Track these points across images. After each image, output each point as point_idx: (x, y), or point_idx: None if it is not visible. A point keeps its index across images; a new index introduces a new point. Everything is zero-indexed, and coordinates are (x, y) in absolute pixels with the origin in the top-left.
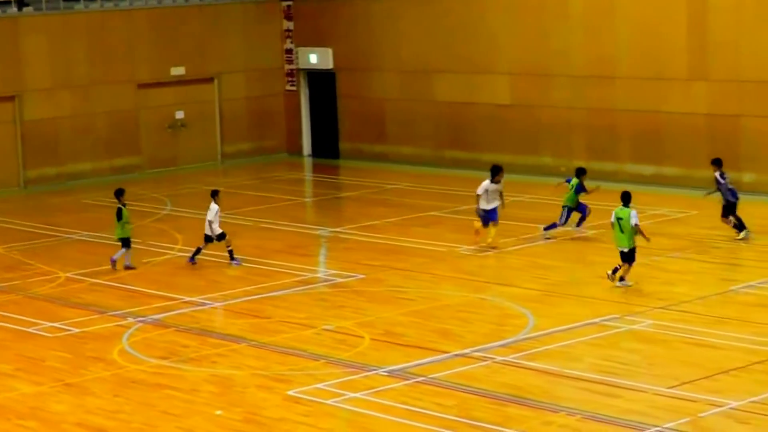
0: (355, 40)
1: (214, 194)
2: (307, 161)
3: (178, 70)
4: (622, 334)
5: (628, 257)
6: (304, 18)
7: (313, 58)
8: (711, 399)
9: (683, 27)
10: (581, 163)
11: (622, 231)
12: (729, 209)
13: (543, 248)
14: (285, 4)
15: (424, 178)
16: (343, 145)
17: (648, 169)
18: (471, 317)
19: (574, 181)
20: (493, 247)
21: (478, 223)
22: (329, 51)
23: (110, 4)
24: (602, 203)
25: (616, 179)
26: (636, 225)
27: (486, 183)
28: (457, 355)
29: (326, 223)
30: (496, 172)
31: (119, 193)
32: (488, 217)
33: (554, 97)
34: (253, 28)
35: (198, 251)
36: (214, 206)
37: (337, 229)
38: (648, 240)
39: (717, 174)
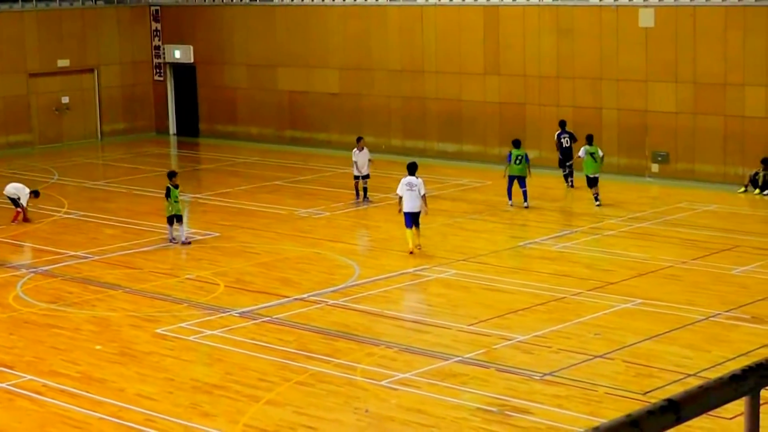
0: (211, 39)
1: (358, 140)
2: (173, 139)
3: (63, 62)
4: (431, 282)
5: (595, 181)
6: (169, 20)
7: (177, 54)
8: (502, 334)
9: (480, 31)
10: (397, 142)
11: (595, 161)
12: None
13: (366, 211)
14: (153, 8)
15: (268, 153)
16: (202, 126)
17: (451, 147)
18: (307, 268)
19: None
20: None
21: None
22: (190, 48)
23: (5, 6)
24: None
25: (425, 155)
26: (602, 156)
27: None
28: (295, 299)
29: (188, 190)
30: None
31: (172, 175)
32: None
33: (375, 87)
34: (127, 27)
35: (363, 191)
36: (355, 150)
37: (197, 195)
38: (603, 157)
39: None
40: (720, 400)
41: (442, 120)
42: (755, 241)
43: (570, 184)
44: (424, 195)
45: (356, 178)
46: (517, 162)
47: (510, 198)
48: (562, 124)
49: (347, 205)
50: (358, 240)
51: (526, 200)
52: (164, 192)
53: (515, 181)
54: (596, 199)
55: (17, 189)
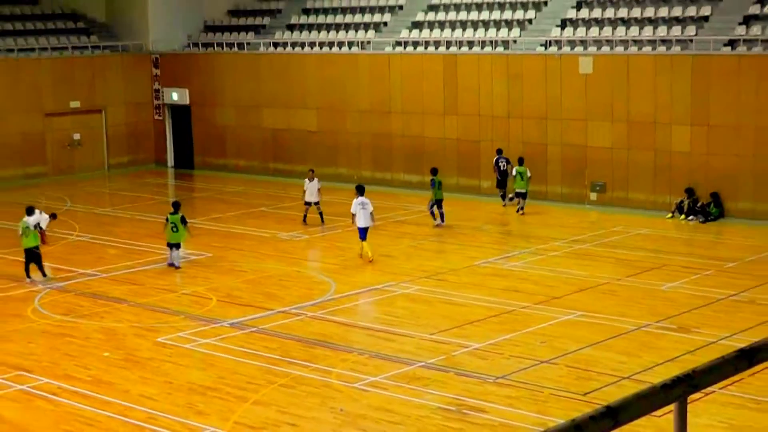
0: (205, 83)
1: (311, 171)
2: (170, 171)
3: (75, 103)
4: (397, 296)
5: (524, 196)
6: (167, 66)
7: (175, 96)
8: (460, 342)
9: (440, 76)
10: (367, 173)
11: (522, 179)
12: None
13: (340, 235)
14: (153, 55)
15: (254, 183)
16: (197, 159)
17: (415, 178)
18: (288, 284)
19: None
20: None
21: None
22: (186, 91)
23: (24, 55)
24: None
25: (392, 185)
26: (530, 176)
27: None
28: (279, 312)
29: (184, 215)
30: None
31: (176, 206)
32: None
33: (348, 125)
34: (130, 73)
35: (320, 215)
36: (306, 180)
37: (192, 221)
38: (530, 177)
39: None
40: (652, 406)
41: (407, 154)
42: (681, 261)
43: (505, 203)
44: (371, 212)
45: (307, 204)
46: (439, 187)
47: (440, 219)
48: (499, 151)
49: (324, 229)
50: (334, 260)
51: (443, 220)
52: (181, 220)
53: (435, 204)
54: (521, 209)
55: (37, 218)
